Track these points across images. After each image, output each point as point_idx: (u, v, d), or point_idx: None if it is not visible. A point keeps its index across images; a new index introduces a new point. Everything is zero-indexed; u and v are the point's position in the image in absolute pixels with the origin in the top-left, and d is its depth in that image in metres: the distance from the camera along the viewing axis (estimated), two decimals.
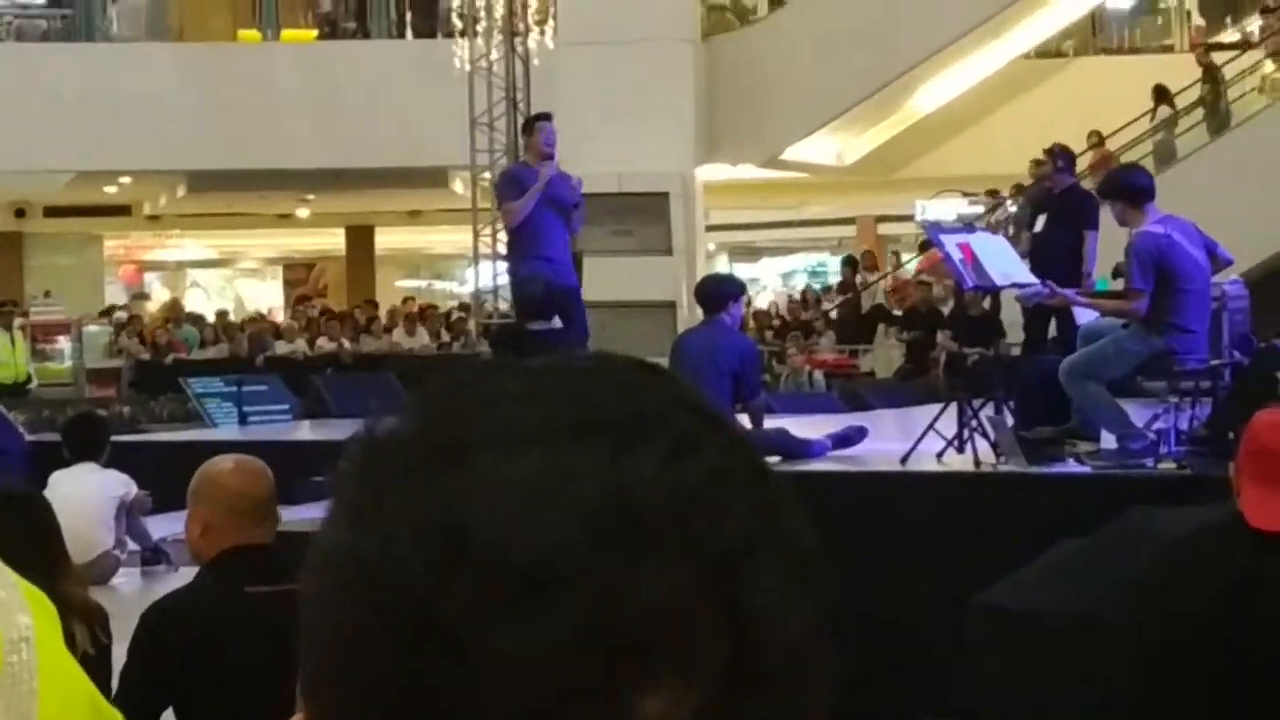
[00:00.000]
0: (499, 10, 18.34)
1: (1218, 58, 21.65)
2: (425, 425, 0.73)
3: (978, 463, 9.05)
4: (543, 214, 11.25)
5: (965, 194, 19.43)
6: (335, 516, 0.73)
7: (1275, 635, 3.76)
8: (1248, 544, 3.69)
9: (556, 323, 11.62)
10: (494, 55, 18.35)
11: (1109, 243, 11.31)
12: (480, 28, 18.54)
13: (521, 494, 0.68)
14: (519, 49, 18.24)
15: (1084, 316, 10.24)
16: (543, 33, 18.73)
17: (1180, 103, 21.10)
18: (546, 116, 11.85)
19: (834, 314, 22.85)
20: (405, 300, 26.46)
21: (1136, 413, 9.19)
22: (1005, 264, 9.82)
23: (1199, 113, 21.17)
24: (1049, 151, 12.22)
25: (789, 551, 0.72)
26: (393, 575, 0.69)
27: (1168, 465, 8.69)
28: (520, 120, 18.15)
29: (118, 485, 10.34)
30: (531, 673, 0.67)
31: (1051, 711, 6.79)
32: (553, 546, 0.67)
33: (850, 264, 24.30)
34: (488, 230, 18.50)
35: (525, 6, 18.44)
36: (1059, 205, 11.61)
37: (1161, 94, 21.06)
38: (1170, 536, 5.97)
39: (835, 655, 0.74)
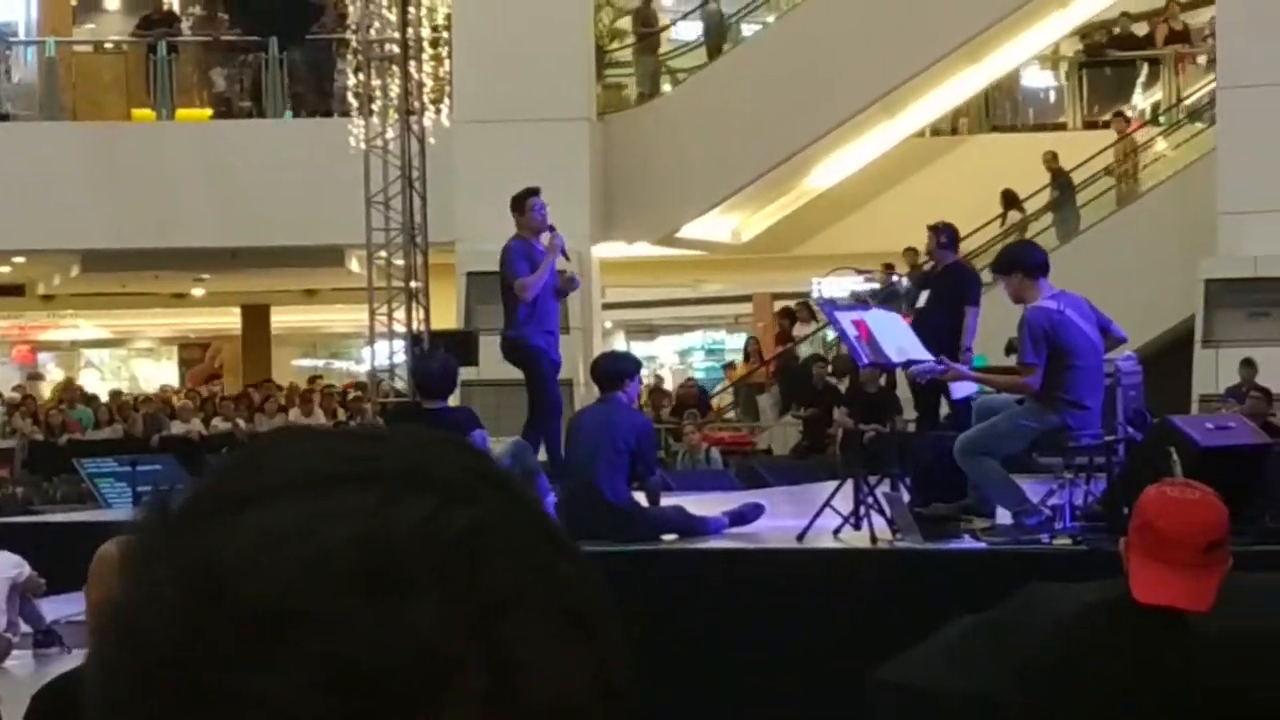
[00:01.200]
0: (394, 89, 18.33)
1: (1104, 139, 22.12)
2: (207, 484, 0.75)
3: (874, 539, 9.11)
4: (546, 289, 11.44)
5: (859, 271, 19.63)
6: (123, 577, 0.76)
7: (1162, 711, 3.81)
8: (1134, 620, 3.75)
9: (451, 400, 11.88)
10: (390, 134, 18.31)
11: (994, 320, 11.42)
12: (376, 107, 18.52)
13: (272, 538, 0.69)
14: (415, 128, 18.21)
15: (958, 391, 10.32)
16: (438, 111, 18.76)
17: (1077, 177, 21.71)
18: (535, 191, 11.86)
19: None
20: (312, 380, 26.40)
21: (1032, 488, 9.27)
22: (900, 340, 9.92)
23: (1088, 189, 21.69)
24: (932, 228, 12.35)
25: (560, 605, 0.73)
26: (147, 620, 0.71)
27: (1063, 541, 8.77)
28: (416, 199, 18.16)
29: (10, 567, 10.27)
30: (275, 713, 0.67)
31: None
32: (293, 587, 0.68)
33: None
34: (384, 309, 18.42)
35: (421, 86, 18.45)
36: (941, 281, 11.72)
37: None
38: (1063, 613, 6.00)
39: (616, 712, 0.74)
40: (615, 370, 10.57)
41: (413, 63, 18.48)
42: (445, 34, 19.50)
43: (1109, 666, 3.93)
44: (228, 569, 0.69)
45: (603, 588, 0.78)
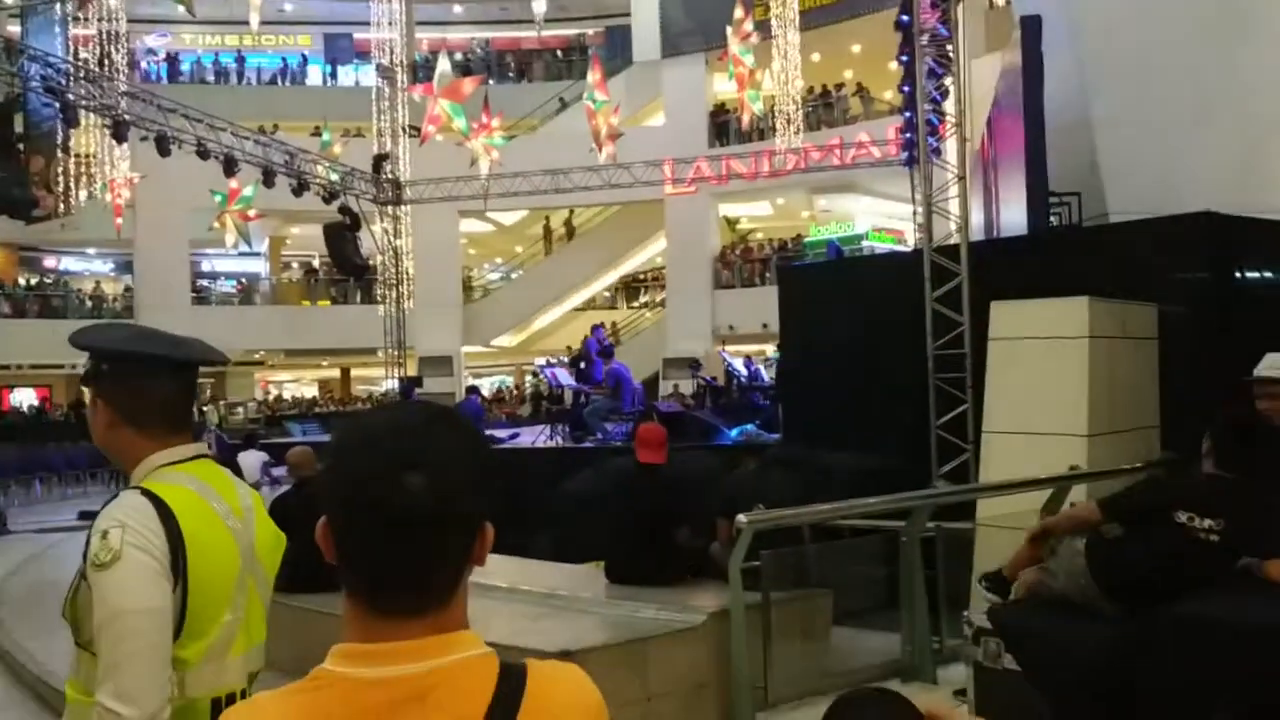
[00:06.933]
0: None
1: None
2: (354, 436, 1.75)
3: None
4: None
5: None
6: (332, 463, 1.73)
7: None
8: None
9: None
10: None
11: None
12: None
13: (380, 431, 1.73)
14: None
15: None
16: None
17: None
18: None
19: None
20: None
21: None
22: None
23: None
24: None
25: (471, 461, 1.75)
26: (348, 459, 1.72)
27: None
28: None
29: None
30: (370, 484, 1.68)
31: None
32: (387, 438, 1.72)
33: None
34: None
35: None
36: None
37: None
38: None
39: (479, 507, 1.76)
40: None
41: None
42: None
43: None
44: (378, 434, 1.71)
45: (489, 461, 1.77)
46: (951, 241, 15.02)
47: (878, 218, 38.44)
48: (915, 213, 25.35)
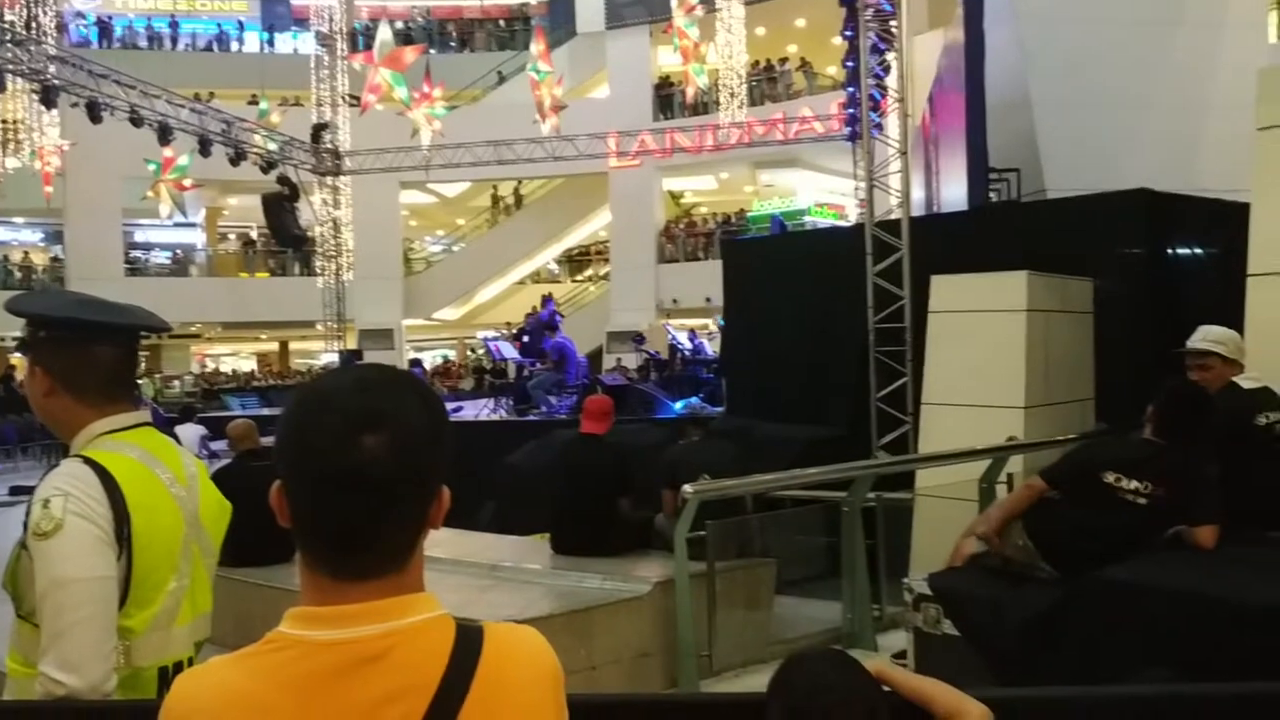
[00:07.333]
0: None
1: None
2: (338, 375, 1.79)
3: None
4: None
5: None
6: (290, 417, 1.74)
7: None
8: None
9: None
10: None
11: None
12: None
13: (335, 395, 1.72)
14: None
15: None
16: None
17: None
18: None
19: None
20: None
21: None
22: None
23: None
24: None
25: (426, 421, 1.74)
26: (305, 421, 1.72)
27: None
28: None
29: None
30: (328, 449, 1.68)
31: None
32: (329, 425, 1.69)
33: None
34: None
35: None
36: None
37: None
38: None
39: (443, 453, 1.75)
40: None
41: None
42: None
43: None
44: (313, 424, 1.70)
45: (447, 424, 1.76)
46: (893, 216, 15.17)
47: (820, 193, 38.70)
48: (857, 188, 25.52)
